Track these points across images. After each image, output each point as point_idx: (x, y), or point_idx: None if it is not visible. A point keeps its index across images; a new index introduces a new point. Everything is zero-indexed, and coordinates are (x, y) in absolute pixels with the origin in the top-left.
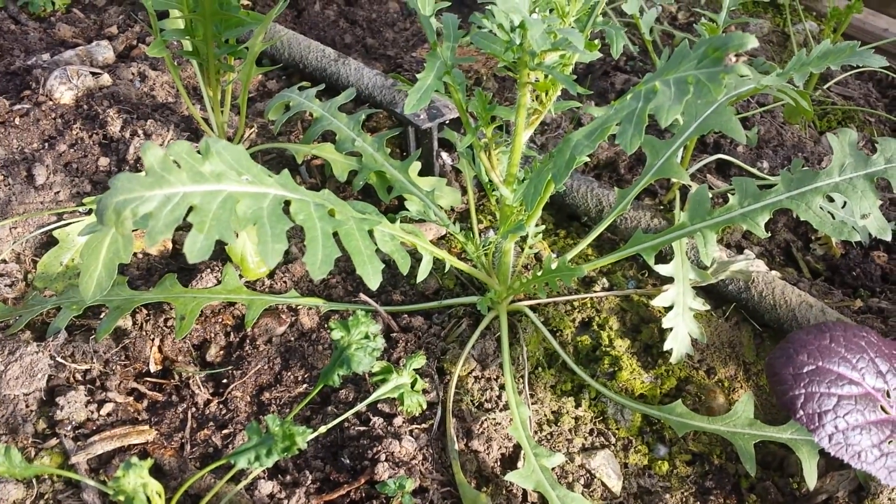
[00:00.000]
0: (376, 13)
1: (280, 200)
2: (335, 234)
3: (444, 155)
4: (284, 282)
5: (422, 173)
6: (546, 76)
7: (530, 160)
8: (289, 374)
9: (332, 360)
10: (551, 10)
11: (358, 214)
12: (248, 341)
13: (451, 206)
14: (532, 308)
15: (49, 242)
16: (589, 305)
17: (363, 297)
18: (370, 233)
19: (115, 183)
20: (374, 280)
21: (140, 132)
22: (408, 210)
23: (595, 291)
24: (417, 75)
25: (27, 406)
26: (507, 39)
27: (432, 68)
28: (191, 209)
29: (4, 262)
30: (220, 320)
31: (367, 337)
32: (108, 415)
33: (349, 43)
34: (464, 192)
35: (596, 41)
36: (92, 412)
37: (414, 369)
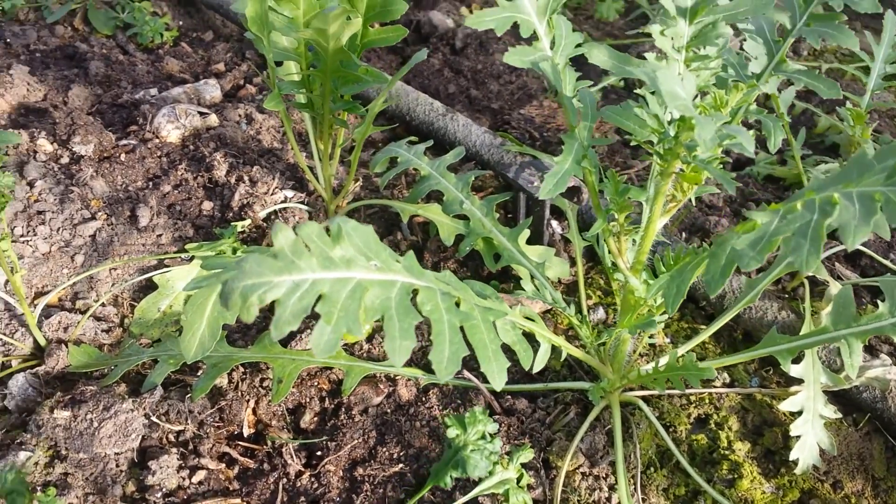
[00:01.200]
0: (482, 64)
1: (408, 289)
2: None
3: (555, 223)
4: (382, 347)
5: (530, 241)
6: (691, 166)
7: (661, 246)
8: (384, 449)
9: (446, 460)
10: (704, 94)
11: (482, 302)
12: (343, 410)
13: (557, 278)
14: (645, 399)
15: (148, 286)
16: (707, 401)
17: (465, 372)
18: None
19: (243, 265)
20: (499, 379)
21: (245, 178)
22: (520, 286)
23: (714, 387)
24: (555, 159)
25: (118, 466)
26: (660, 130)
27: (570, 151)
28: (319, 297)
29: (103, 305)
30: (315, 384)
31: (483, 437)
32: (200, 483)
33: (453, 93)
34: (572, 263)
35: (751, 132)
36: (183, 479)
37: (520, 463)
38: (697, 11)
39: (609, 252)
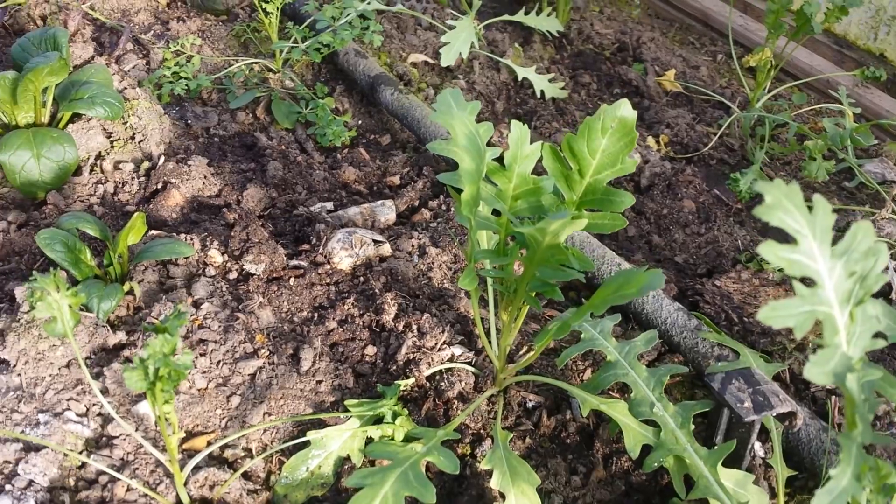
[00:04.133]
0: (668, 209)
1: None
2: None
3: (757, 445)
4: None
5: (726, 462)
6: None
7: None
8: None
9: None
10: None
11: None
12: None
13: None
14: None
15: (298, 439)
16: None
17: None
18: None
19: None
20: None
21: (414, 327)
22: None
23: None
24: (831, 472)
25: None
26: None
27: (849, 459)
28: None
29: (251, 456)
30: None
31: None
32: None
33: (632, 236)
34: (772, 494)
35: None
36: None
37: None
38: None
39: None
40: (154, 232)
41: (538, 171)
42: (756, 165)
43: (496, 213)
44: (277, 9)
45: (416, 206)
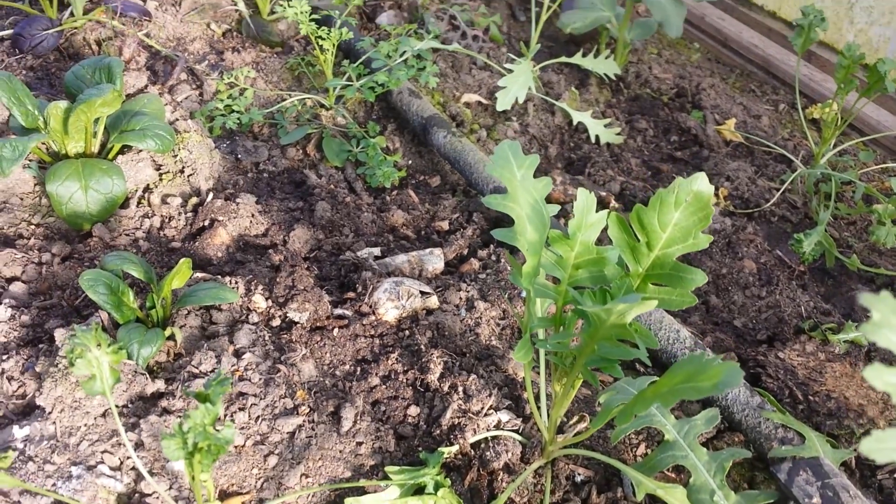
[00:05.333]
0: (727, 268)
1: None
2: None
3: None
4: None
5: None
6: None
7: None
8: None
9: None
10: None
11: None
12: None
13: None
14: None
15: (335, 502)
16: None
17: None
18: None
19: None
20: None
21: (460, 388)
22: None
23: None
24: None
25: None
26: None
27: None
28: None
29: None
30: None
31: None
32: None
33: None
34: None
35: None
36: None
37: None
38: None
39: None
40: (199, 274)
41: (601, 239)
42: (821, 227)
43: (553, 278)
44: (334, 45)
45: (465, 255)
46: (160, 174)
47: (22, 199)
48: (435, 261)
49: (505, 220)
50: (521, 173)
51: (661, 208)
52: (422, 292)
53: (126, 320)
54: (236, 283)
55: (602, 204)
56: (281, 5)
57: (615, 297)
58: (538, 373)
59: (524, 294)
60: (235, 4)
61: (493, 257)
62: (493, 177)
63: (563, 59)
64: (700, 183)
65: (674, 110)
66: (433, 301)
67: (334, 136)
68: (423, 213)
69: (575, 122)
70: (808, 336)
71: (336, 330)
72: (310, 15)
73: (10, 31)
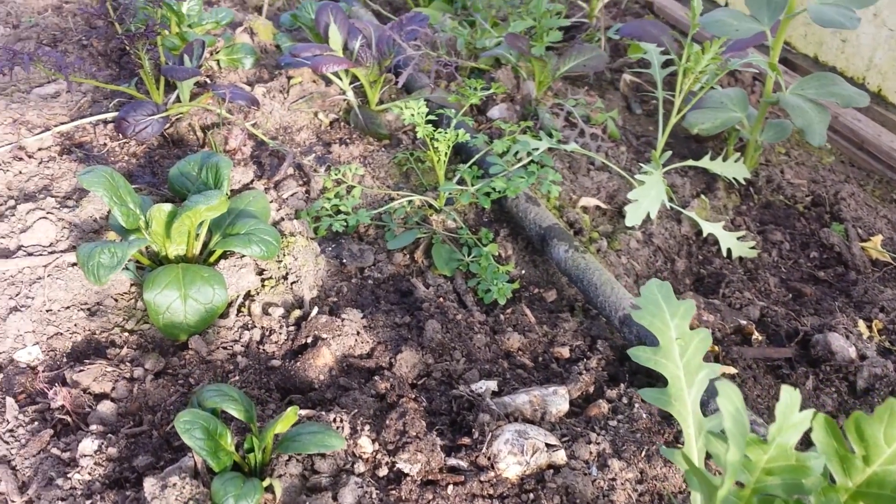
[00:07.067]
0: None
1: None
2: None
3: None
4: None
5: None
6: None
7: None
8: None
9: None
10: None
11: None
12: None
13: None
14: None
15: None
16: None
17: None
18: None
19: None
20: None
21: None
22: None
23: None
24: None
25: None
26: None
27: None
28: None
29: None
30: None
31: None
32: None
33: None
34: None
35: None
36: None
37: None
38: None
39: None
40: (303, 412)
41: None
42: None
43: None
44: (449, 147)
45: (592, 394)
46: (262, 280)
47: (116, 300)
48: (559, 402)
49: (651, 373)
50: (674, 322)
51: (891, 420)
52: (548, 444)
53: (222, 467)
54: (341, 421)
55: (742, 334)
56: (397, 106)
57: None
58: None
59: (665, 454)
60: (344, 94)
61: (625, 399)
62: (622, 301)
63: (691, 162)
64: None
65: (810, 220)
66: (560, 456)
67: (444, 241)
68: (540, 337)
69: (705, 234)
70: None
71: (450, 487)
72: (426, 116)
73: (114, 114)
